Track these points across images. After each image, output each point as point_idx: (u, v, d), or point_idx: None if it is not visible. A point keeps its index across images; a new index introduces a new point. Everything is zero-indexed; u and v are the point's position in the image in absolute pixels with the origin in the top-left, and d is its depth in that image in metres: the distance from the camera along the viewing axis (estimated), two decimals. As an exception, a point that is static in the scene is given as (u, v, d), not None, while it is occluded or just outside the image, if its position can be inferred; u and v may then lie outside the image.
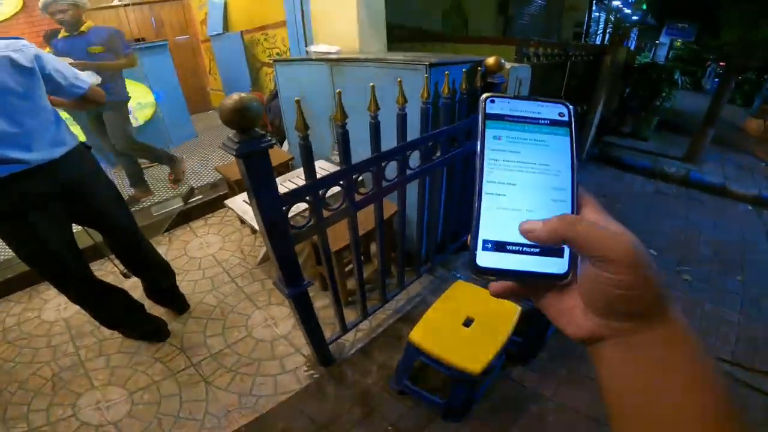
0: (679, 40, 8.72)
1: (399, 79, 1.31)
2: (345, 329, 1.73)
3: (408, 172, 1.49)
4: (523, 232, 0.29)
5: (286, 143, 2.91)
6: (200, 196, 2.96)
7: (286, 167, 2.56)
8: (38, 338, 2.05)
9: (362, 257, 1.75)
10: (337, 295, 1.58)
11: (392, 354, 1.74)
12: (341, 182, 1.23)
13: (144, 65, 3.95)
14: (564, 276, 0.29)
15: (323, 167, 2.23)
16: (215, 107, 6.08)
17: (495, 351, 1.25)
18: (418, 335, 1.31)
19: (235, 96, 0.83)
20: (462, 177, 1.90)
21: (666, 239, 2.80)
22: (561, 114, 0.33)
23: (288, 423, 1.51)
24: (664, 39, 8.94)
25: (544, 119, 0.32)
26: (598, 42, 5.87)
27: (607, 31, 6.04)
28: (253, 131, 0.90)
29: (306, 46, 2.62)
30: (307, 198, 1.14)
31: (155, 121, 4.21)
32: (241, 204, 1.95)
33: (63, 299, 2.27)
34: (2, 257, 2.62)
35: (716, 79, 9.56)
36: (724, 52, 4.20)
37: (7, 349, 2.01)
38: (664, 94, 4.60)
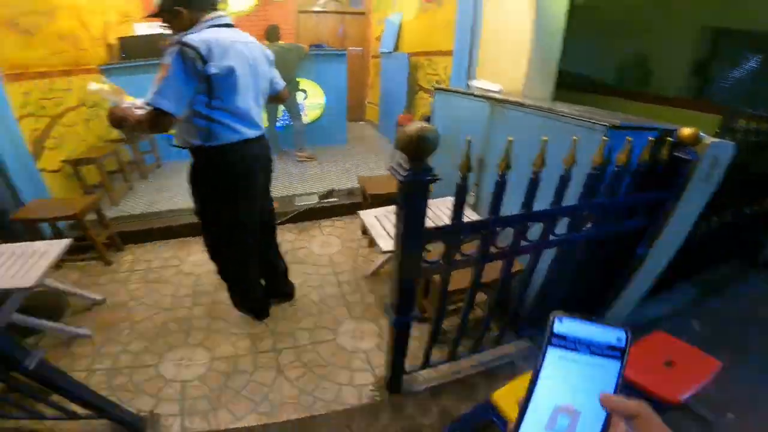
0: None
1: (575, 138, 1.17)
2: (427, 365, 1.66)
3: (551, 237, 1.33)
4: (605, 401, 0.36)
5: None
6: (335, 199, 3.19)
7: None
8: (169, 286, 2.36)
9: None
10: (436, 332, 1.52)
11: (459, 402, 1.62)
12: (482, 232, 1.16)
13: (325, 70, 4.45)
14: None
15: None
16: (367, 119, 6.56)
17: None
18: (501, 396, 1.22)
19: (418, 125, 0.83)
20: (606, 254, 1.65)
21: None
22: (619, 339, 0.37)
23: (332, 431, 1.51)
24: None
25: (601, 343, 0.37)
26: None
27: None
28: (424, 162, 0.89)
29: (468, 79, 2.63)
30: (446, 239, 1.11)
31: (319, 121, 4.72)
32: (371, 218, 2.02)
33: (204, 257, 2.56)
34: (170, 207, 3.20)
35: None
36: None
37: (142, 287, 2.35)
38: None
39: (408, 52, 4.25)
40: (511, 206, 1.23)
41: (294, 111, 4.05)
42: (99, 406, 1.33)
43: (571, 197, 1.35)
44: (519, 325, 1.82)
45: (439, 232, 1.09)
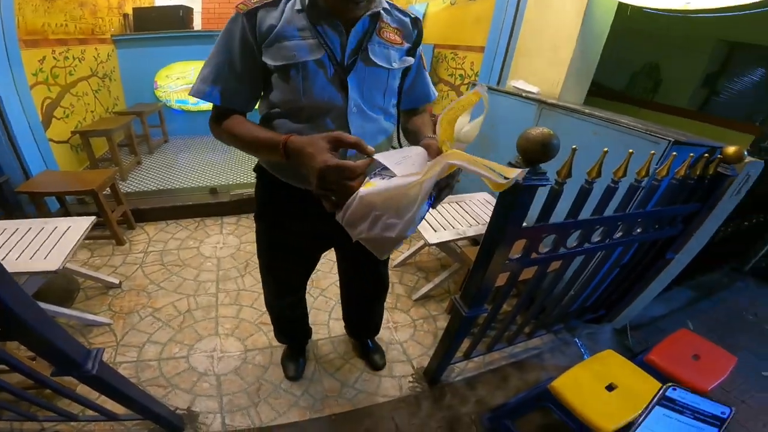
0: None
1: (631, 151, 1.21)
2: (468, 356, 1.73)
3: (587, 245, 1.39)
4: None
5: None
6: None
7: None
8: (190, 269, 2.26)
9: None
10: (486, 329, 1.59)
11: (494, 391, 1.71)
12: (559, 233, 1.23)
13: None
14: None
15: (489, 201, 2.22)
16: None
17: (630, 418, 1.21)
18: (562, 385, 1.32)
19: (544, 130, 0.86)
20: (635, 258, 1.77)
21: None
22: (723, 413, 0.45)
23: (375, 424, 1.53)
24: None
25: (706, 412, 0.44)
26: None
27: None
28: (539, 167, 0.93)
29: (500, 77, 2.64)
30: (531, 238, 1.16)
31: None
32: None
33: (222, 239, 2.58)
34: (186, 184, 3.09)
35: None
36: None
37: (159, 270, 2.23)
38: None
39: (431, 43, 4.16)
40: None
41: None
42: (143, 406, 1.21)
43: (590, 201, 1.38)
44: (548, 319, 1.92)
45: (529, 232, 1.13)
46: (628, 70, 4.25)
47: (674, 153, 1.29)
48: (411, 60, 0.99)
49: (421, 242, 2.07)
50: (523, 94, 2.09)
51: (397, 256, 2.47)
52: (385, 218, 0.65)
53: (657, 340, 1.63)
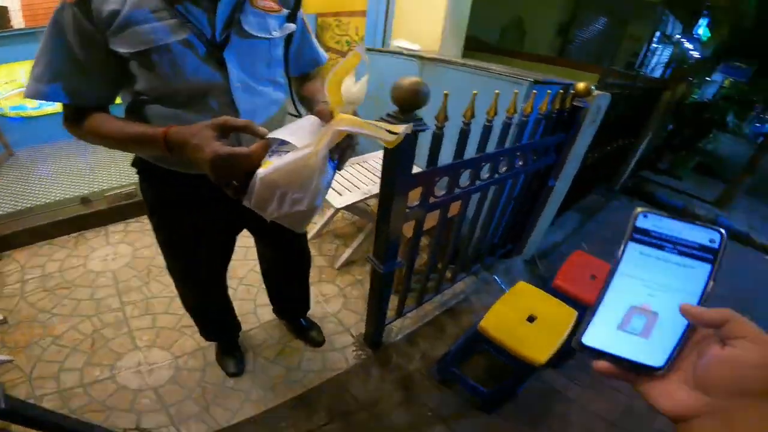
0: (729, 79, 8.64)
1: (497, 92, 1.35)
2: (401, 314, 1.79)
3: (479, 182, 1.53)
4: (686, 312, 0.33)
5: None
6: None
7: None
8: (81, 289, 2.01)
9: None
10: (408, 281, 1.65)
11: (434, 343, 1.80)
12: (451, 174, 1.33)
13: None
14: (658, 369, 0.33)
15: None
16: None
17: (556, 346, 1.35)
18: (489, 324, 1.39)
19: (414, 79, 0.91)
20: (523, 190, 1.98)
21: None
22: (712, 240, 0.33)
23: (333, 400, 1.55)
24: (717, 77, 8.79)
25: (691, 243, 0.34)
26: (650, 74, 5.84)
27: (671, 65, 5.94)
28: (415, 114, 0.97)
29: (384, 39, 2.68)
30: (425, 183, 1.23)
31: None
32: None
33: (111, 249, 2.34)
34: (50, 199, 2.69)
35: (758, 125, 9.53)
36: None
37: (45, 297, 1.96)
38: (710, 136, 4.60)
39: (314, 12, 4.02)
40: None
41: None
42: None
43: (473, 143, 1.48)
44: (465, 263, 2.07)
45: (421, 177, 1.20)
46: (498, 24, 4.61)
47: (534, 91, 1.46)
48: (292, 26, 0.93)
49: (332, 210, 2.07)
50: (405, 53, 2.17)
51: (312, 228, 2.44)
52: (291, 194, 0.64)
53: (561, 264, 1.81)
